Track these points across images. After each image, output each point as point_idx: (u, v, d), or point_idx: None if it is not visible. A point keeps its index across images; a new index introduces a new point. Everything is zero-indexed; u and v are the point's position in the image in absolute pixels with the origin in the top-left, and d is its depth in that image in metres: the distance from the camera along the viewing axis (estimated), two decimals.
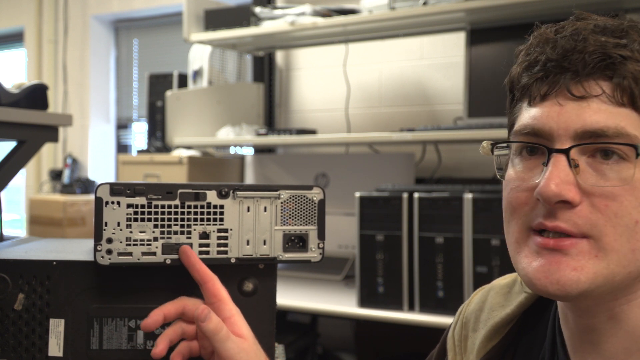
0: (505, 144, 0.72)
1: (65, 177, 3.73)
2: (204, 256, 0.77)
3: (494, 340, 0.82)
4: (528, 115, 0.68)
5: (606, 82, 0.64)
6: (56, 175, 3.80)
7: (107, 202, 0.75)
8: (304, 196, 0.80)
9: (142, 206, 0.76)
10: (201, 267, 0.76)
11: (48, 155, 4.08)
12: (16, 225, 4.30)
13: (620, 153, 0.63)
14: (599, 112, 0.64)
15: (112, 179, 3.84)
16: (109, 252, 0.75)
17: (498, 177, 0.73)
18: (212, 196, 0.77)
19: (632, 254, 0.63)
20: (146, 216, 0.76)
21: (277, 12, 2.59)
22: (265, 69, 3.15)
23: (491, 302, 0.86)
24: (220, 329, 0.74)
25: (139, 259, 0.76)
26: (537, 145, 0.67)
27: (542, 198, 0.64)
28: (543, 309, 0.80)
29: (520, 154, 0.70)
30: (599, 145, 0.64)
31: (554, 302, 0.76)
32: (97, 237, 0.75)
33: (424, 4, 2.23)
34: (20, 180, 4.23)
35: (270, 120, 3.14)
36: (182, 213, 0.77)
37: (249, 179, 2.95)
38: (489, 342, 0.82)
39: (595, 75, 0.65)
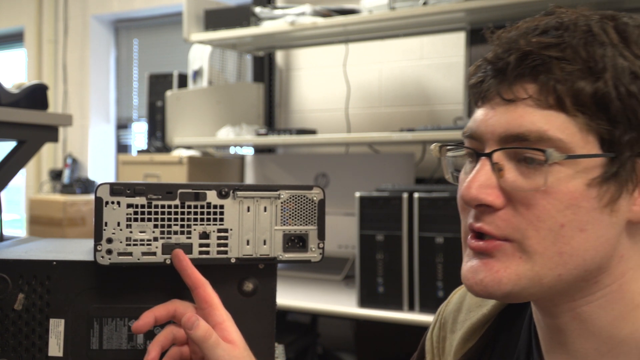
0: (452, 146, 0.74)
1: (65, 177, 3.73)
2: (204, 256, 0.77)
3: (471, 341, 0.82)
4: (472, 117, 0.69)
5: (533, 84, 0.64)
6: (56, 175, 3.80)
7: (107, 202, 0.75)
8: (304, 196, 0.80)
9: (142, 206, 0.76)
10: (193, 272, 0.76)
11: (48, 155, 4.08)
12: (16, 225, 4.30)
13: (537, 159, 0.63)
14: (524, 115, 0.63)
15: (112, 179, 3.84)
16: (109, 252, 0.75)
17: (448, 179, 0.74)
18: (212, 196, 0.77)
19: (559, 256, 0.63)
20: (146, 216, 0.76)
21: (277, 12, 2.59)
22: (265, 69, 3.15)
23: (469, 303, 0.85)
24: (209, 336, 0.73)
25: (139, 259, 0.76)
26: (470, 150, 0.68)
27: (464, 201, 0.66)
28: (520, 309, 0.80)
29: (467, 157, 0.71)
30: (519, 149, 0.64)
31: (530, 302, 0.75)
32: (97, 237, 0.75)
33: (424, 4, 2.23)
34: (20, 180, 4.23)
35: (270, 120, 3.14)
36: (182, 213, 0.77)
37: (249, 179, 2.95)
38: (467, 343, 0.82)
39: (522, 78, 0.64)
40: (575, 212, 0.63)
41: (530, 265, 0.64)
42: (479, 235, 0.67)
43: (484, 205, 0.65)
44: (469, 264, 0.67)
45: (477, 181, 0.65)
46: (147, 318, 0.74)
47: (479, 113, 0.68)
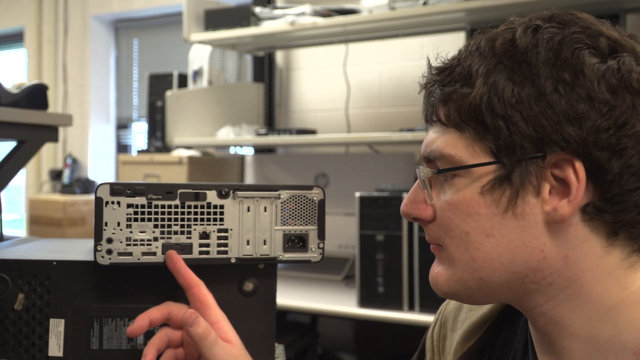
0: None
1: (65, 177, 3.73)
2: (204, 256, 0.77)
3: (471, 340, 0.82)
4: None
5: (441, 107, 0.69)
6: (56, 175, 3.80)
7: (107, 202, 0.75)
8: (304, 196, 0.80)
9: (142, 206, 0.76)
10: (187, 273, 0.76)
11: (48, 155, 4.08)
12: (16, 225, 4.30)
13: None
14: (432, 136, 0.70)
15: (112, 179, 3.84)
16: (109, 252, 0.75)
17: None
18: (212, 196, 0.77)
19: (474, 262, 0.68)
20: (146, 216, 0.76)
21: (277, 12, 2.59)
22: (265, 69, 3.15)
23: None
24: (208, 334, 0.73)
25: (139, 259, 0.76)
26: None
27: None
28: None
29: None
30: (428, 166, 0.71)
31: None
32: (97, 237, 0.75)
33: (424, 4, 2.23)
34: (20, 180, 4.23)
35: (270, 120, 3.14)
36: (182, 213, 0.77)
37: (249, 179, 2.95)
38: (466, 342, 0.82)
39: (439, 103, 0.69)
40: (476, 219, 0.67)
41: (453, 270, 0.70)
42: None
43: (418, 219, 0.72)
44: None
45: (408, 197, 0.73)
46: (142, 321, 0.74)
47: None
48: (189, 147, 2.79)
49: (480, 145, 0.66)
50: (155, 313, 0.75)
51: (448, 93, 0.68)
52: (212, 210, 0.77)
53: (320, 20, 2.45)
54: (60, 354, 0.78)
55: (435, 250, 0.72)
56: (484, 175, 0.66)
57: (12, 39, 4.49)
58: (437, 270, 0.72)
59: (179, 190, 0.76)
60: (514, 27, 0.69)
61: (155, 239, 0.76)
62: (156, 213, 0.76)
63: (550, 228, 0.66)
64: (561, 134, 0.63)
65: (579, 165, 0.63)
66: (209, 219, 0.77)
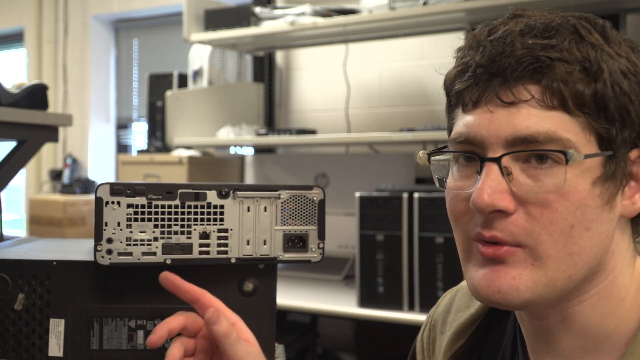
0: (440, 153, 0.72)
1: (65, 177, 3.73)
2: (204, 256, 0.77)
3: (460, 341, 0.82)
4: (462, 122, 0.68)
5: (535, 86, 0.63)
6: (56, 175, 3.80)
7: (107, 202, 0.75)
8: (304, 196, 0.80)
9: (142, 206, 0.76)
10: (189, 286, 0.75)
11: (48, 155, 4.08)
12: (16, 225, 4.30)
13: (554, 157, 0.63)
14: (529, 117, 0.63)
15: (112, 179, 3.84)
16: (109, 252, 0.75)
17: (437, 186, 0.73)
18: (212, 196, 0.77)
19: (569, 258, 0.63)
20: (146, 216, 0.76)
21: (277, 12, 2.59)
22: (265, 69, 3.15)
23: (457, 304, 0.86)
24: (230, 332, 0.73)
25: (139, 259, 0.76)
26: (470, 154, 0.67)
27: (475, 209, 0.64)
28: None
29: (457, 162, 0.70)
30: (529, 152, 0.63)
31: None
32: (97, 237, 0.75)
33: (424, 4, 2.23)
34: (20, 180, 4.23)
35: (270, 120, 3.14)
36: (182, 213, 0.77)
37: (249, 179, 2.95)
38: (455, 343, 0.82)
39: (523, 80, 0.63)
40: (583, 212, 0.63)
41: (544, 271, 0.63)
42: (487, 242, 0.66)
43: (496, 211, 0.63)
44: (481, 273, 0.66)
45: (488, 187, 0.63)
46: (161, 332, 0.73)
47: (472, 117, 0.66)
48: (189, 147, 2.79)
49: (592, 133, 0.63)
50: (172, 323, 0.75)
51: (563, 75, 0.63)
52: (212, 210, 0.77)
53: (320, 20, 2.45)
54: (60, 354, 0.78)
55: (508, 253, 0.64)
56: (595, 166, 0.63)
57: (12, 39, 4.49)
58: (512, 275, 0.64)
59: (179, 190, 0.76)
60: (592, 19, 0.67)
61: (155, 239, 0.76)
62: (156, 213, 0.76)
63: (620, 221, 0.66)
64: None
65: None
66: (209, 219, 0.77)
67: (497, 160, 0.64)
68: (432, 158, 0.72)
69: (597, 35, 0.65)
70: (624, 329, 0.66)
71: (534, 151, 0.63)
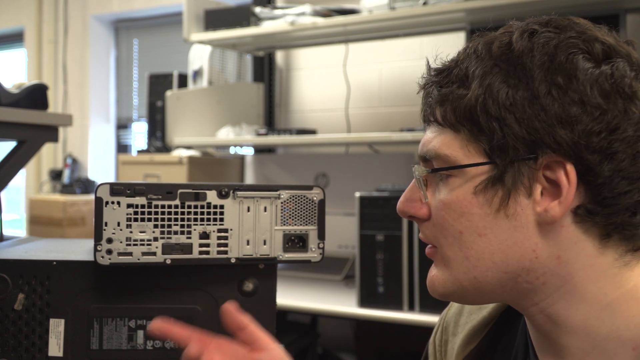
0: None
1: (65, 177, 3.73)
2: (204, 256, 0.77)
3: (473, 343, 0.83)
4: None
5: (438, 107, 0.70)
6: (56, 175, 3.80)
7: (107, 202, 0.75)
8: (304, 196, 0.80)
9: (142, 206, 0.76)
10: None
11: (48, 155, 4.08)
12: (16, 225, 4.30)
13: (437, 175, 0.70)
14: (429, 136, 0.71)
15: (112, 179, 3.84)
16: (109, 252, 0.75)
17: None
18: (212, 196, 0.77)
19: (467, 261, 0.68)
20: (146, 216, 0.76)
21: (277, 12, 2.59)
22: (265, 69, 3.15)
23: (470, 306, 0.86)
24: None
25: (139, 259, 0.76)
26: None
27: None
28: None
29: None
30: (426, 167, 0.72)
31: None
32: (97, 237, 0.75)
33: (424, 4, 2.23)
34: (20, 180, 4.23)
35: (270, 120, 3.14)
36: (182, 213, 0.77)
37: (249, 179, 2.95)
38: (467, 345, 0.83)
39: (436, 104, 0.70)
40: (469, 219, 0.68)
41: (449, 270, 0.70)
42: None
43: (415, 217, 0.72)
44: None
45: (403, 196, 0.73)
46: (164, 330, 0.71)
47: None
48: (189, 147, 2.79)
49: (475, 145, 0.67)
50: (177, 331, 0.72)
51: (445, 94, 0.69)
52: (212, 210, 0.77)
53: (320, 20, 2.45)
54: (60, 354, 0.78)
55: (431, 254, 0.73)
56: (478, 175, 0.67)
57: (12, 39, 4.49)
58: (433, 273, 0.72)
59: (179, 190, 0.76)
60: (511, 31, 0.69)
61: (155, 239, 0.76)
62: (156, 213, 0.76)
63: (542, 229, 0.66)
64: (553, 136, 0.64)
65: (570, 168, 0.64)
66: (209, 219, 0.77)
67: (414, 172, 0.73)
68: None
69: (496, 48, 0.68)
70: (624, 333, 0.66)
71: (425, 166, 0.72)
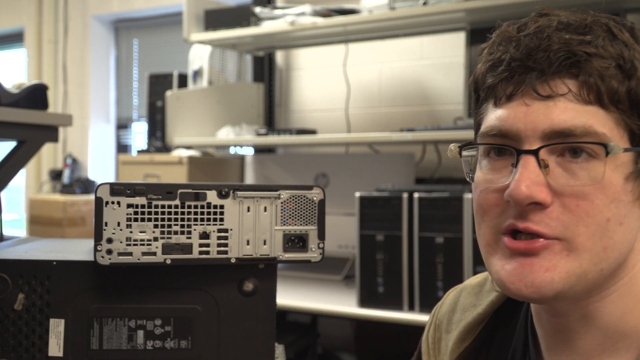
0: (473, 146, 0.72)
1: (65, 177, 3.73)
2: (204, 256, 0.77)
3: (467, 340, 0.82)
4: (494, 116, 0.68)
5: (572, 80, 0.64)
6: (56, 175, 3.80)
7: (107, 202, 0.75)
8: (304, 196, 0.80)
9: (142, 206, 0.76)
10: None
11: (48, 155, 4.08)
12: (16, 225, 4.30)
13: (590, 151, 0.63)
14: (566, 111, 0.63)
15: (112, 179, 3.84)
16: (109, 252, 0.75)
17: (467, 179, 0.73)
18: (212, 196, 0.77)
19: (603, 251, 0.64)
20: (146, 216, 0.76)
21: (277, 12, 2.59)
22: (265, 69, 3.15)
23: (463, 303, 0.86)
24: None
25: (139, 259, 0.76)
26: (506, 147, 0.67)
27: (513, 200, 0.64)
28: (515, 306, 0.80)
29: (487, 156, 0.69)
30: (567, 144, 0.64)
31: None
32: (97, 237, 0.75)
33: (424, 4, 2.23)
34: (20, 180, 4.23)
35: (270, 120, 3.14)
36: (182, 213, 0.77)
37: (249, 179, 2.95)
38: (462, 343, 0.82)
39: (561, 74, 0.64)
40: (617, 205, 0.63)
41: (578, 262, 0.64)
42: (513, 235, 0.66)
43: (533, 203, 0.64)
44: (508, 267, 0.65)
45: (527, 179, 0.63)
46: None
47: (506, 111, 0.66)
48: (189, 147, 2.79)
49: (626, 129, 0.65)
50: None
51: (600, 70, 0.63)
52: (212, 210, 0.77)
53: (320, 20, 2.45)
54: (60, 354, 0.78)
55: (543, 247, 0.64)
56: (628, 161, 0.65)
57: (12, 39, 4.49)
58: (546, 267, 0.64)
59: (179, 190, 0.76)
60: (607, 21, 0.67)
61: (155, 239, 0.76)
62: (156, 213, 0.76)
63: None
64: None
65: None
66: (209, 219, 0.77)
67: (534, 153, 0.64)
68: (464, 153, 0.72)
69: (628, 35, 0.65)
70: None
71: (573, 143, 0.63)
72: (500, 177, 0.67)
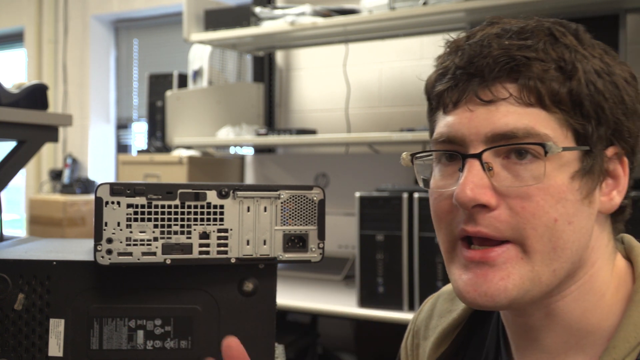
0: (424, 154, 0.73)
1: (65, 177, 3.73)
2: (204, 256, 0.77)
3: (443, 346, 0.83)
4: (443, 123, 0.69)
5: (513, 84, 0.65)
6: (56, 175, 3.80)
7: (107, 202, 0.75)
8: (304, 196, 0.80)
9: (142, 206, 0.76)
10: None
11: (48, 155, 4.08)
12: (16, 225, 4.30)
13: (533, 152, 0.64)
14: (508, 114, 0.65)
15: (112, 179, 3.84)
16: (109, 252, 0.75)
17: (422, 186, 0.74)
18: (212, 196, 0.77)
19: (554, 252, 0.65)
20: (146, 216, 0.76)
21: (277, 12, 2.59)
22: (265, 69, 3.15)
23: (439, 309, 0.86)
24: None
25: (139, 259, 0.76)
26: (453, 152, 0.68)
27: (458, 203, 0.65)
28: (488, 310, 0.81)
29: (439, 162, 0.71)
30: (510, 146, 0.65)
31: None
32: (97, 237, 0.75)
33: (424, 4, 2.23)
34: (20, 180, 4.23)
35: (270, 120, 3.14)
36: (182, 213, 0.77)
37: (249, 179, 2.95)
38: (438, 348, 0.83)
39: (501, 79, 0.66)
40: (564, 205, 0.64)
41: (530, 265, 0.65)
42: (469, 241, 0.67)
43: (479, 206, 0.65)
44: (465, 277, 0.67)
45: (470, 182, 0.64)
46: None
47: (453, 117, 0.68)
48: (189, 147, 2.79)
49: (569, 129, 0.66)
50: None
51: (539, 73, 0.65)
52: (212, 210, 0.77)
53: (320, 20, 2.45)
54: (60, 354, 0.78)
55: (498, 256, 0.65)
56: (573, 160, 0.66)
57: (12, 39, 4.49)
58: (500, 276, 0.65)
59: (179, 190, 0.76)
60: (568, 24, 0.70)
61: (155, 239, 0.76)
62: (156, 213, 0.76)
63: (598, 217, 0.68)
64: (628, 128, 0.67)
65: (624, 159, 0.68)
66: (209, 219, 0.77)
67: (478, 156, 0.65)
68: (415, 159, 0.74)
69: (571, 38, 0.67)
70: (605, 324, 0.68)
71: (513, 145, 0.64)
72: (451, 183, 0.68)
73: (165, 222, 0.76)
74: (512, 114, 0.65)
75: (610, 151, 0.67)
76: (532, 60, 0.65)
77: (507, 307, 0.67)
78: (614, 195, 0.68)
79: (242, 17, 2.62)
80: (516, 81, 0.65)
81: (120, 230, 0.75)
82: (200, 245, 0.77)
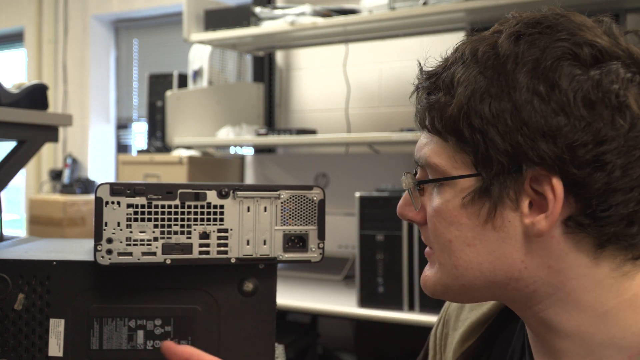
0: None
1: (65, 177, 3.73)
2: (204, 256, 0.77)
3: (470, 340, 0.82)
4: None
5: (428, 115, 0.71)
6: (56, 175, 3.80)
7: (107, 202, 0.75)
8: (304, 196, 0.80)
9: (142, 206, 0.76)
10: (184, 349, 0.73)
11: (48, 155, 4.08)
12: (16, 225, 4.30)
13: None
14: (422, 141, 0.72)
15: (112, 179, 3.84)
16: (109, 252, 0.75)
17: None
18: (212, 196, 0.77)
19: (455, 269, 0.69)
20: (146, 216, 0.76)
21: (277, 12, 2.59)
22: (265, 69, 3.15)
23: None
24: None
25: (139, 259, 0.76)
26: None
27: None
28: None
29: None
30: (415, 174, 0.75)
31: None
32: (97, 237, 0.75)
33: (424, 4, 2.23)
34: (20, 180, 4.23)
35: (270, 120, 3.14)
36: (182, 213, 0.77)
37: (249, 179, 2.95)
38: (465, 342, 0.83)
39: (426, 110, 0.71)
40: (458, 228, 0.67)
41: (440, 274, 0.71)
42: None
43: (411, 220, 0.74)
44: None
45: (403, 199, 0.75)
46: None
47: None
48: (189, 147, 2.79)
49: (462, 156, 0.66)
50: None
51: (432, 101, 0.69)
52: (212, 210, 0.77)
53: (320, 20, 2.45)
54: (60, 354, 0.78)
55: (429, 254, 0.74)
56: (467, 187, 0.67)
57: (12, 39, 4.49)
58: (426, 273, 0.74)
59: (179, 190, 0.76)
60: (500, 31, 0.68)
61: (155, 239, 0.76)
62: (156, 213, 0.76)
63: (531, 240, 0.65)
64: (536, 150, 0.61)
65: (556, 181, 0.62)
66: (209, 219, 0.77)
67: (402, 183, 0.75)
68: None
69: (482, 53, 0.66)
70: (620, 341, 0.66)
71: (415, 174, 0.74)
72: None
73: (165, 222, 0.76)
74: (423, 143, 0.72)
75: (529, 173, 0.63)
76: (435, 90, 0.70)
77: (436, 297, 0.74)
78: (539, 219, 0.63)
79: (242, 17, 2.62)
80: (428, 112, 0.70)
81: (120, 230, 0.75)
82: (200, 245, 0.77)
